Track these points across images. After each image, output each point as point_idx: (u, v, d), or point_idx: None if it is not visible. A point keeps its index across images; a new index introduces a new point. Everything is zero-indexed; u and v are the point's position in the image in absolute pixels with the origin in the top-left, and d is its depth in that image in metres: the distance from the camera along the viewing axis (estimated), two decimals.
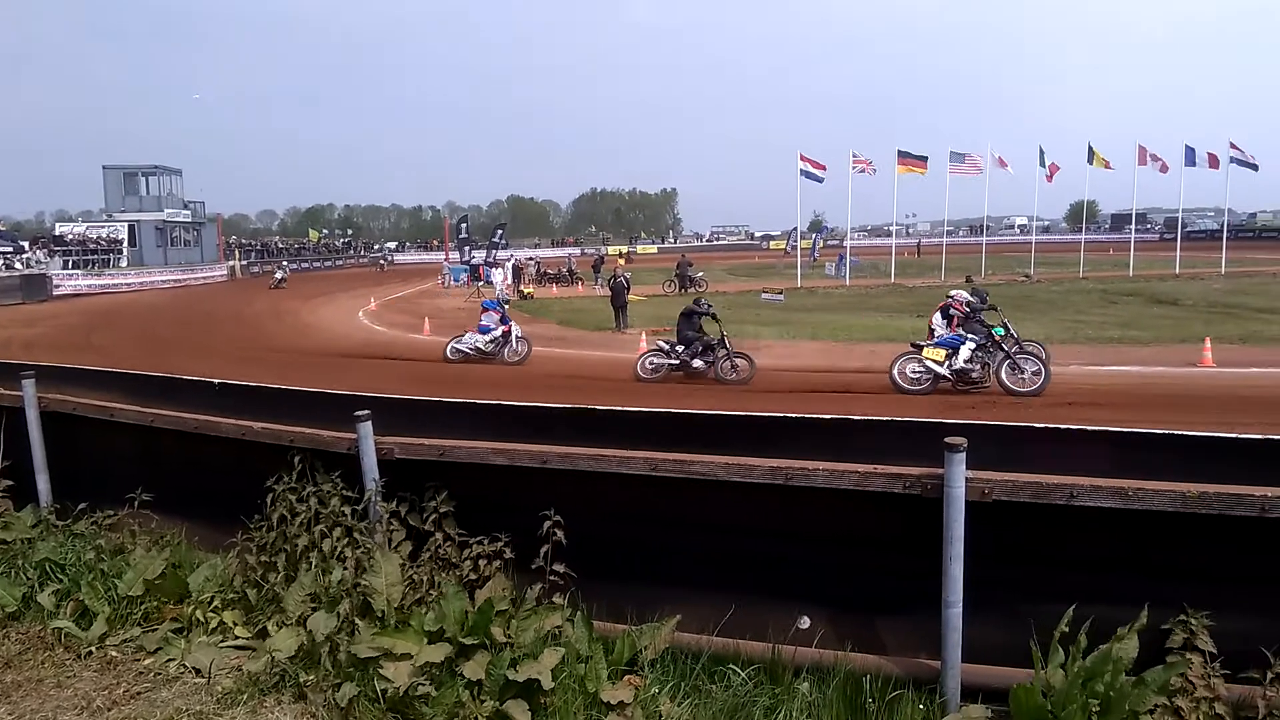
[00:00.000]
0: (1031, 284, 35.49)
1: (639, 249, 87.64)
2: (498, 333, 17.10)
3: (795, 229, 46.18)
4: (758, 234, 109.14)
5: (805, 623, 3.43)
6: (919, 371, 12.90)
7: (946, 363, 12.79)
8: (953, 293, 13.96)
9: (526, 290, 35.83)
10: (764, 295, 30.31)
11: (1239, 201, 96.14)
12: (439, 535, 4.07)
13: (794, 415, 3.58)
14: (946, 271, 39.76)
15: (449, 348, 17.36)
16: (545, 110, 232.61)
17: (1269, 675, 2.91)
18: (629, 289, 24.44)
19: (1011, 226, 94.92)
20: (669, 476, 3.57)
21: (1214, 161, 39.69)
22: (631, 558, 3.88)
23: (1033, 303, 26.83)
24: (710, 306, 15.51)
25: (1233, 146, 38.79)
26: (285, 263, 55.97)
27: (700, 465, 3.52)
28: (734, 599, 3.60)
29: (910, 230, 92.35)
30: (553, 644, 3.42)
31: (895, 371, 13.01)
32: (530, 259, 48.31)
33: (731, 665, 3.46)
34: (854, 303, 29.28)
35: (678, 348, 14.76)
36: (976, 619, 3.22)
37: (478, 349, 16.98)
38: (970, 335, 13.00)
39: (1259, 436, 2.95)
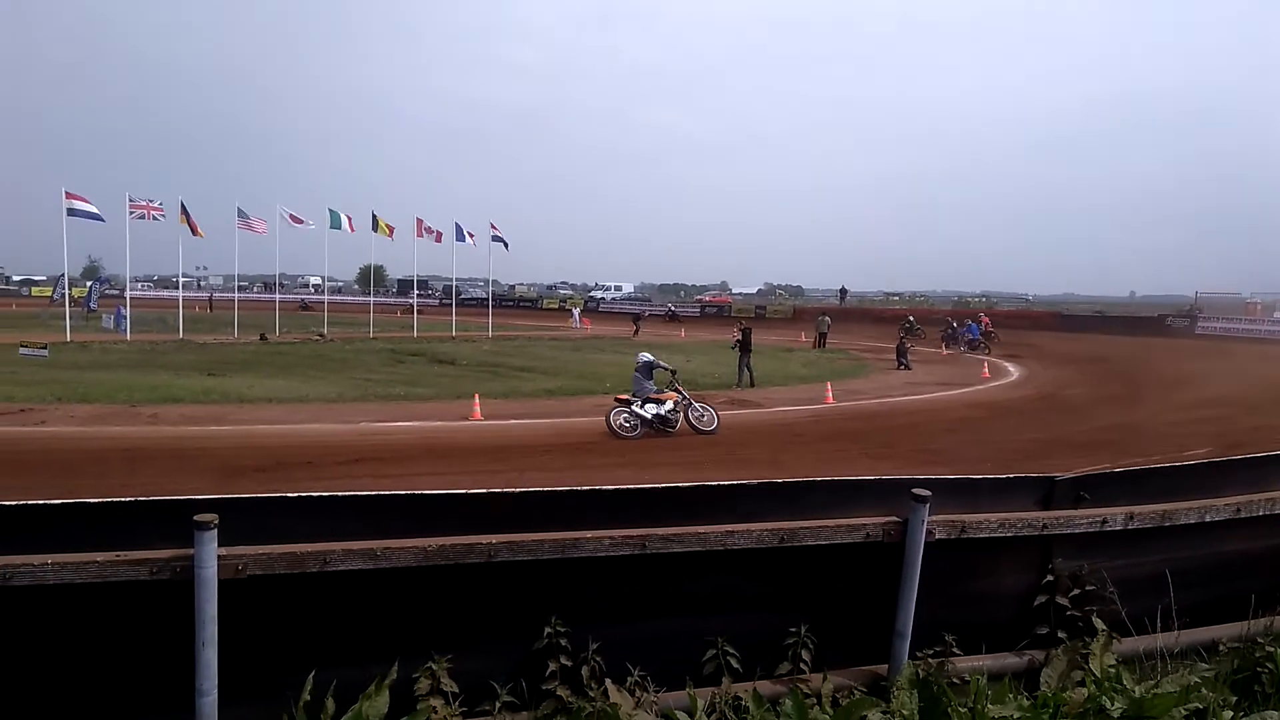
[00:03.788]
0: (325, 343, 36.36)
1: None
2: None
3: (64, 274, 40.33)
4: (16, 278, 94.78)
5: None
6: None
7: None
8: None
9: None
10: (23, 350, 25.87)
11: (502, 274, 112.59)
12: None
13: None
14: (240, 329, 38.62)
15: None
16: None
17: (498, 704, 3.31)
18: None
19: (306, 285, 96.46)
20: None
21: (473, 238, 46.02)
22: None
23: (327, 361, 27.45)
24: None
25: (492, 227, 45.37)
26: None
27: None
28: None
29: (202, 284, 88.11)
30: None
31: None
32: None
33: None
34: (137, 360, 26.59)
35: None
36: (241, 703, 3.07)
37: None
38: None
39: (483, 491, 3.34)
